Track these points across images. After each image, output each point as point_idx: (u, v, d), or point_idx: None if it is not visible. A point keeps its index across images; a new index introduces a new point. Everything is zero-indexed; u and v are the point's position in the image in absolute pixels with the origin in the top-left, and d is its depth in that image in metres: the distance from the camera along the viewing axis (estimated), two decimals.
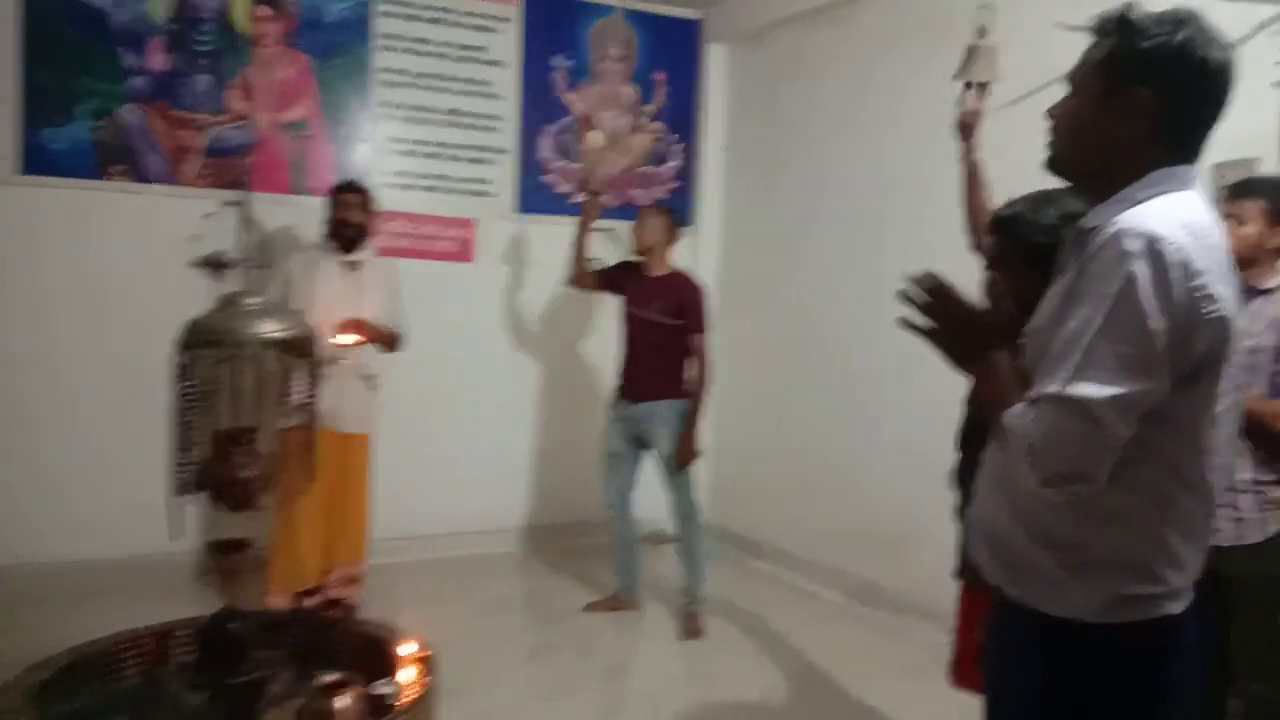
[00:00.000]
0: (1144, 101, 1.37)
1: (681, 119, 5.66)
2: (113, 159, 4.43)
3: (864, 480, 4.59)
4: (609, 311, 5.38)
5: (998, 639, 1.59)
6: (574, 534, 5.31)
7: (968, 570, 2.35)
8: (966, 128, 2.89)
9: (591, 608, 4.36)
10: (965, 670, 2.33)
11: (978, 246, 2.78)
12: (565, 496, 5.37)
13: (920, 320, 1.44)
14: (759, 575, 5.06)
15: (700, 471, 4.39)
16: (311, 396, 2.72)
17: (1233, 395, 1.41)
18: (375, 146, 4.92)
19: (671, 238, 4.28)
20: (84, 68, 4.36)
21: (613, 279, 4.42)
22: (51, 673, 2.30)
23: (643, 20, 5.53)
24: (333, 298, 3.90)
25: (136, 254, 4.45)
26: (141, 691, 2.39)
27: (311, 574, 3.71)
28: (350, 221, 4.00)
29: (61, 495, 4.31)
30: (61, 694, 2.28)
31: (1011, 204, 2.16)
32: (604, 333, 5.46)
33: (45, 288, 4.34)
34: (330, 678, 2.21)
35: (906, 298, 1.44)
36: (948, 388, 2.43)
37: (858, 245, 4.68)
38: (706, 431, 4.31)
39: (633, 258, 4.36)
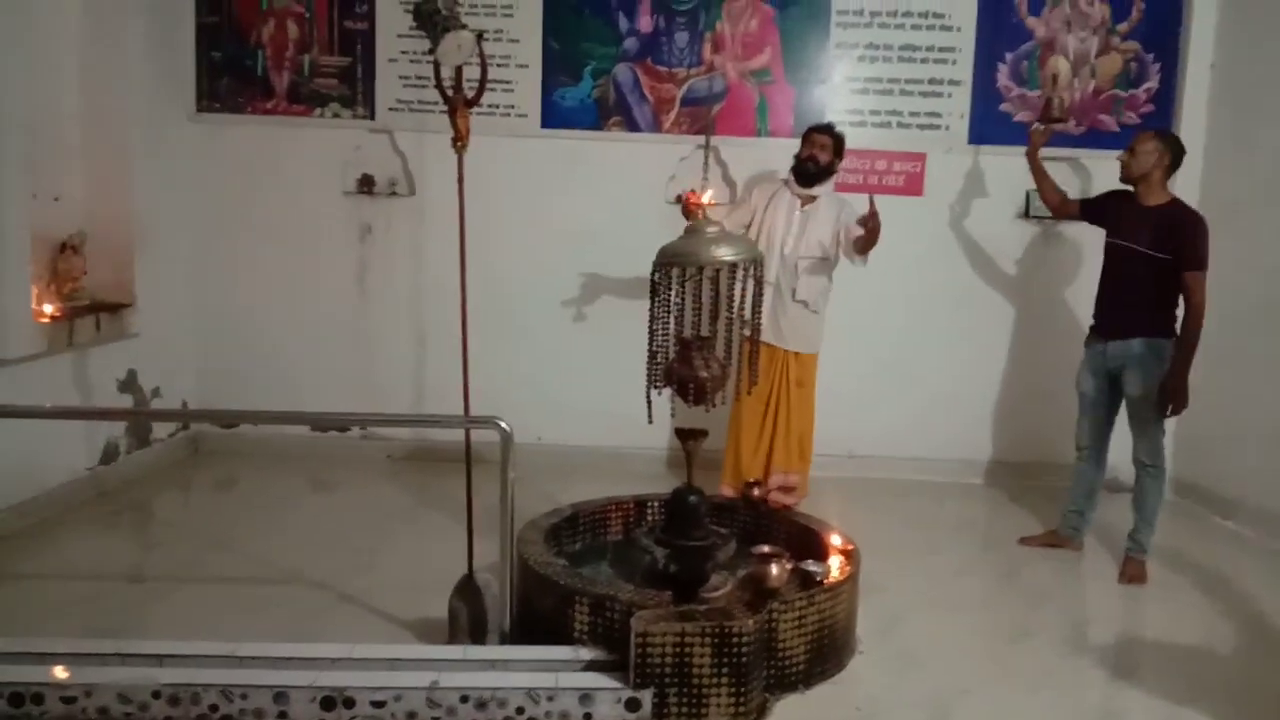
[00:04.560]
0: None
1: (1159, 37, 5.18)
2: (610, 112, 5.19)
3: None
4: (1078, 245, 5.16)
5: None
6: (1037, 473, 5.22)
7: None
8: None
9: (1026, 541, 4.34)
10: None
11: None
12: (1030, 434, 5.30)
13: None
14: (1222, 533, 4.65)
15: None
16: (757, 312, 3.10)
17: None
18: (831, 87, 5.18)
19: (1169, 165, 3.96)
20: (588, 34, 5.15)
21: (1098, 208, 4.23)
22: (560, 520, 2.97)
23: None
24: (782, 228, 4.26)
25: (624, 194, 5.20)
26: (621, 543, 2.99)
27: (753, 474, 4.10)
28: (815, 158, 4.27)
29: (562, 392, 5.23)
30: (566, 536, 2.94)
31: None
32: (1073, 268, 5.25)
33: (558, 223, 5.25)
34: (767, 549, 2.60)
35: None
36: None
37: None
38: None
39: (1122, 186, 4.09)
